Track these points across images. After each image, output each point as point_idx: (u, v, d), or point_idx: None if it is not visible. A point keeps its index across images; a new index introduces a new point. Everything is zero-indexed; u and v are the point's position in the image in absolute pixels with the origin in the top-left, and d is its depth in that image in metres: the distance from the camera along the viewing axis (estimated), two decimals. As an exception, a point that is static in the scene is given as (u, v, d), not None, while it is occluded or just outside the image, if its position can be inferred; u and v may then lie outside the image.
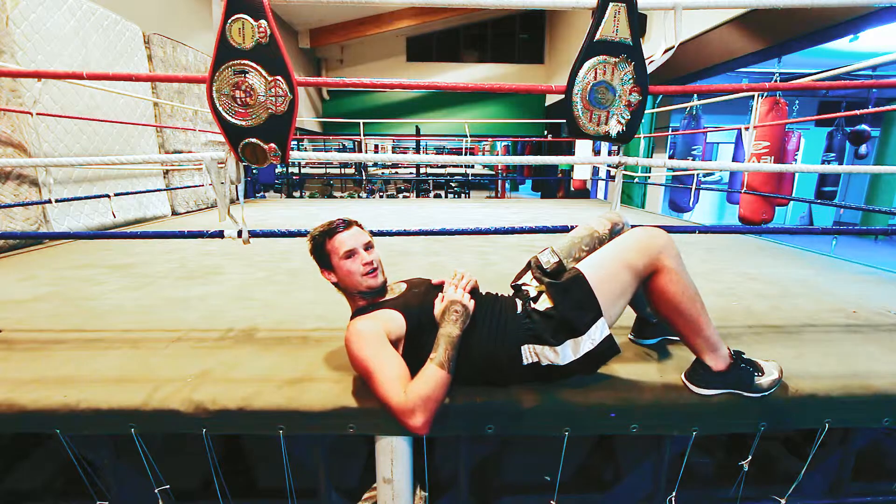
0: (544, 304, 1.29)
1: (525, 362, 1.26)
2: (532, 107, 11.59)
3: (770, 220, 4.49)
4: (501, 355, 1.27)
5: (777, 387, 1.29)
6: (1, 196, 3.05)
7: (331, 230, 1.34)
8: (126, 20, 4.37)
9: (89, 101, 3.91)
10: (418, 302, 1.33)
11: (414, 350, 1.26)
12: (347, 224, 1.36)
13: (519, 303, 1.35)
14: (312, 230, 1.39)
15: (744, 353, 1.33)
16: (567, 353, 1.24)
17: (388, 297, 1.38)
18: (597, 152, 7.39)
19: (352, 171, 11.29)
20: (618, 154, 1.69)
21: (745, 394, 1.28)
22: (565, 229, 1.62)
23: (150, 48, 4.75)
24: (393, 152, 11.63)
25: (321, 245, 1.35)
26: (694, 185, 5.53)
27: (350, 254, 1.32)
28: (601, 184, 9.39)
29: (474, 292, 1.35)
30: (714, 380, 1.28)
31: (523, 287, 1.43)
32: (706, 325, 1.26)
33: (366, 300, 1.36)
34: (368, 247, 1.36)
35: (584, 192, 8.63)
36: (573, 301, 1.25)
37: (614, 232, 1.46)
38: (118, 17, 4.26)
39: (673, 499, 1.41)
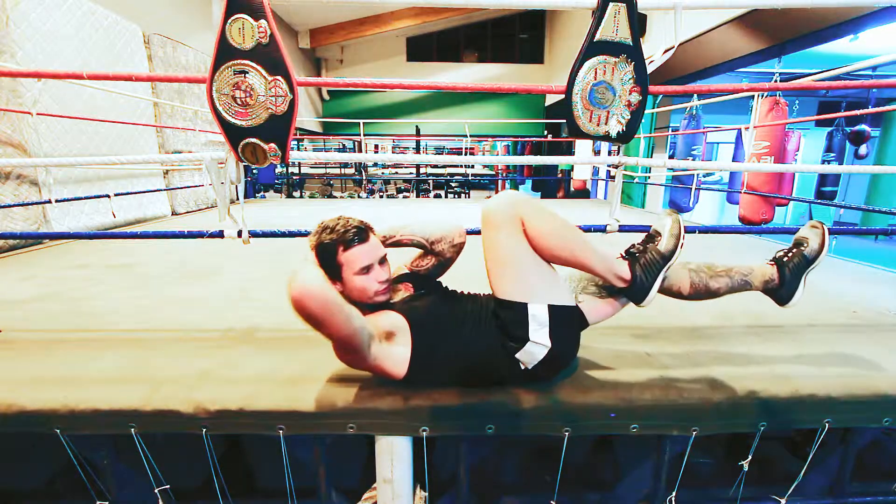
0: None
1: (522, 367, 1.27)
2: (532, 107, 11.58)
3: (770, 220, 4.49)
4: (501, 353, 1.26)
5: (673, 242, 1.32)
6: (1, 196, 3.05)
7: (346, 241, 1.21)
8: (126, 20, 4.37)
9: (89, 101, 3.91)
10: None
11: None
12: (363, 235, 1.23)
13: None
14: (320, 227, 1.25)
15: (635, 252, 1.34)
16: (538, 346, 1.23)
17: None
18: (597, 152, 7.39)
19: (352, 171, 11.28)
20: (618, 154, 1.69)
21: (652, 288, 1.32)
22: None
23: (150, 48, 4.75)
24: (393, 152, 11.63)
25: (332, 253, 1.22)
26: (694, 185, 5.53)
27: (366, 269, 1.23)
28: (601, 184, 9.38)
29: (447, 290, 1.46)
30: (628, 293, 1.33)
31: None
32: (591, 256, 1.26)
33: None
34: (383, 261, 1.27)
35: (584, 193, 8.62)
36: (506, 320, 1.25)
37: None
38: (118, 17, 4.26)
39: (673, 499, 1.41)
